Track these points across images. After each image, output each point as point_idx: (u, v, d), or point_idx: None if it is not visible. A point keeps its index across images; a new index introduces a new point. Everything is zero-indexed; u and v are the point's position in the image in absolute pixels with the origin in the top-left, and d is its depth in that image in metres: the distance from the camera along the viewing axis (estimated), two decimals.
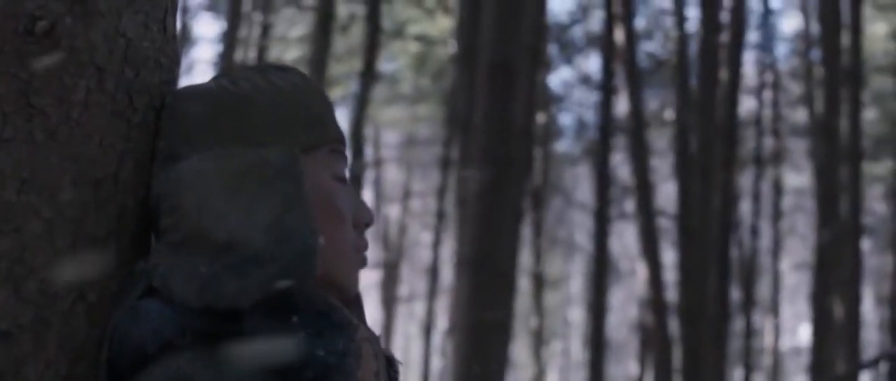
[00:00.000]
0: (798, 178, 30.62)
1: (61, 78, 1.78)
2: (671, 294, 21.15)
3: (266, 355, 1.62)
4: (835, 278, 21.35)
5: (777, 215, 27.24)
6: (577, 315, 46.76)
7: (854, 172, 20.95)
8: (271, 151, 1.79)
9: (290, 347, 1.63)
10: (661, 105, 29.29)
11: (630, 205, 25.83)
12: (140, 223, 1.85)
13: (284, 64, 1.97)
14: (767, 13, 25.53)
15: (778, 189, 27.17)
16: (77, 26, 1.80)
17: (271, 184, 1.75)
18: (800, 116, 28.12)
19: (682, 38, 20.33)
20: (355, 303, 1.98)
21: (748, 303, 24.50)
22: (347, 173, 1.92)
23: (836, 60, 20.92)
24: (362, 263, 1.90)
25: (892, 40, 25.50)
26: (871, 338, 32.45)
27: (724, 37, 20.30)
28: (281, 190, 1.74)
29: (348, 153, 1.96)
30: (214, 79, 1.91)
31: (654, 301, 19.51)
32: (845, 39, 21.65)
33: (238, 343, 1.62)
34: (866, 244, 24.39)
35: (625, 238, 33.00)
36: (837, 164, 21.00)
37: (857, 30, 21.01)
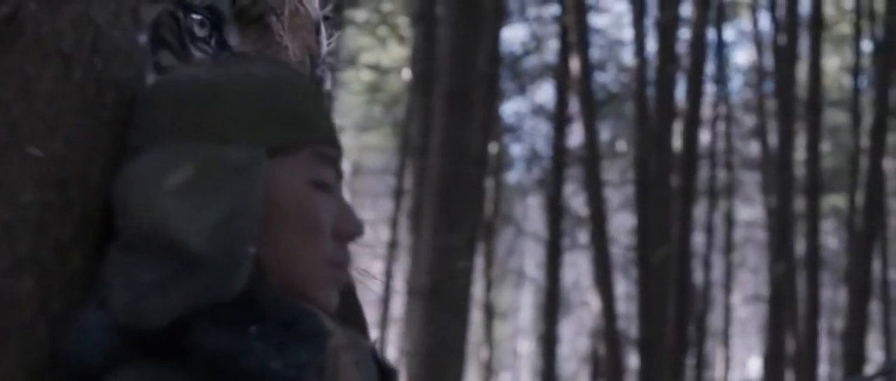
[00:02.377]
0: (749, 211, 30.72)
1: (24, 68, 1.64)
2: (624, 325, 21.12)
3: (215, 369, 1.51)
4: (789, 311, 21.40)
5: (729, 247, 27.29)
6: (527, 347, 46.72)
7: (812, 205, 21.00)
8: (232, 150, 1.63)
9: (242, 360, 1.51)
10: (613, 136, 29.34)
11: (582, 236, 25.83)
12: (108, 228, 1.69)
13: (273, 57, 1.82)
14: (721, 46, 25.60)
15: (730, 222, 27.23)
16: (42, 12, 1.67)
17: (224, 184, 1.60)
18: (751, 148, 28.23)
19: (641, 68, 20.34)
20: (352, 310, 1.84)
21: (701, 335, 24.51)
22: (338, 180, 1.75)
23: (791, 92, 21.00)
24: (341, 278, 1.72)
25: (845, 74, 25.68)
26: (822, 372, 32.56)
27: (683, 67, 20.35)
28: (233, 192, 1.60)
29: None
30: (195, 66, 1.76)
31: (608, 332, 19.46)
32: (801, 71, 21.75)
33: (187, 357, 1.52)
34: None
35: (575, 270, 32.99)
36: (792, 196, 21.06)
37: (816, 60, 21.11)
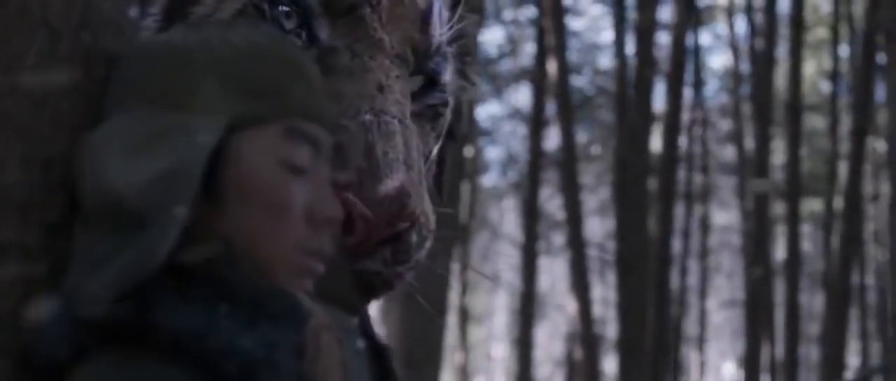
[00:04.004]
0: (724, 215, 30.77)
1: (10, 40, 1.55)
2: (600, 329, 21.07)
3: (181, 350, 1.42)
4: (766, 316, 21.40)
5: (704, 252, 27.31)
6: (501, 351, 46.73)
7: (791, 209, 21.00)
8: (194, 119, 1.53)
9: (208, 339, 1.43)
10: (589, 140, 29.32)
11: (557, 239, 25.81)
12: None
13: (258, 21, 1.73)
14: (697, 50, 25.59)
15: (705, 226, 27.25)
16: None
17: (170, 147, 1.50)
18: (727, 153, 28.26)
19: (621, 70, 20.31)
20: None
21: (676, 339, 24.50)
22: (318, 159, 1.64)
23: (768, 95, 21.00)
24: (315, 268, 1.62)
25: (821, 79, 25.72)
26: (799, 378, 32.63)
27: (662, 70, 20.35)
28: (176, 153, 1.50)
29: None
30: (173, 30, 1.66)
31: (585, 335, 19.43)
32: (779, 75, 21.76)
33: (153, 339, 1.43)
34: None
35: (550, 274, 32.98)
36: (768, 201, 21.06)
37: (796, 63, 21.10)
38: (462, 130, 2.33)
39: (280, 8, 1.89)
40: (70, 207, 1.56)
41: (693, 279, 27.48)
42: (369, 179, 1.84)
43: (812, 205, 25.36)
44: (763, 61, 21.47)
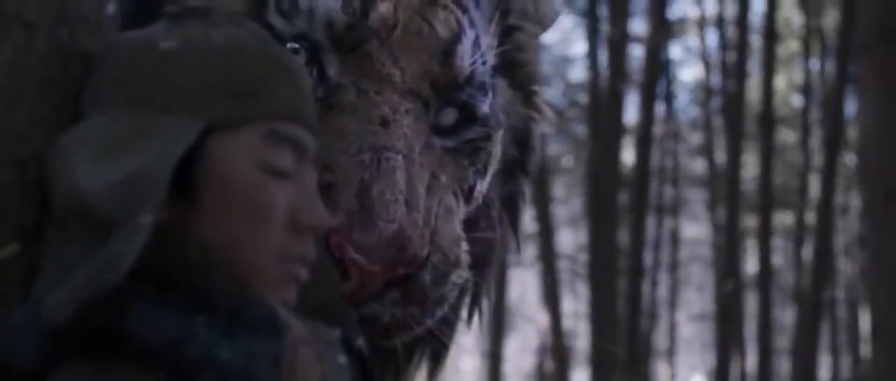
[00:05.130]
0: (694, 228, 30.83)
1: None
2: (571, 341, 21.08)
3: (156, 360, 1.38)
4: (736, 329, 21.44)
5: (675, 264, 27.36)
6: (471, 364, 46.68)
7: (764, 222, 21.04)
8: (171, 121, 1.48)
9: (185, 348, 1.39)
10: (560, 152, 29.35)
11: (529, 251, 25.81)
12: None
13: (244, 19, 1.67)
14: (667, 63, 25.63)
15: (675, 239, 27.30)
16: None
17: (140, 149, 1.46)
18: (697, 166, 28.33)
19: (594, 83, 20.32)
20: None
21: (647, 352, 24.53)
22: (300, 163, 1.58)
23: (740, 108, 21.06)
24: (297, 275, 1.57)
25: (792, 92, 25.82)
26: None
27: (635, 83, 20.38)
28: (145, 154, 1.45)
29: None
30: (155, 25, 1.61)
31: (555, 348, 19.43)
32: (752, 87, 21.82)
33: (128, 347, 1.39)
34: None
35: (521, 286, 32.98)
36: (738, 213, 21.11)
37: (769, 76, 21.15)
38: (533, 163, 2.30)
39: (288, 45, 1.88)
40: (44, 209, 1.52)
41: (663, 292, 27.51)
42: (362, 223, 1.83)
43: (783, 218, 25.45)
44: (735, 74, 21.53)
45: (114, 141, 1.47)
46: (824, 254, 19.82)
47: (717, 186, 23.89)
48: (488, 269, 2.24)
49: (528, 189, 2.32)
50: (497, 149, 2.14)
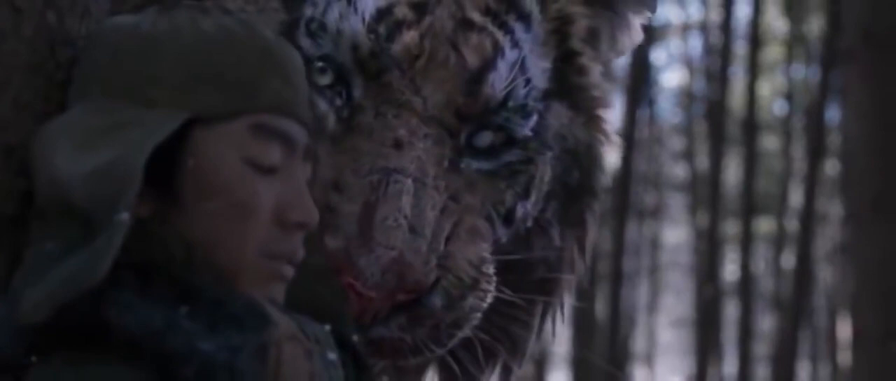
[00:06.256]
0: (674, 233, 30.86)
1: None
2: (549, 345, 21.07)
3: (138, 351, 1.34)
4: (715, 335, 21.46)
5: (655, 269, 27.39)
6: None
7: (745, 228, 21.06)
8: (153, 113, 1.45)
9: (167, 339, 1.35)
10: None
11: None
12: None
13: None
14: (651, 67, 25.65)
15: (656, 244, 27.32)
16: None
17: (119, 138, 1.42)
18: (678, 171, 28.35)
19: None
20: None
21: (626, 356, 24.57)
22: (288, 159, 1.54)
23: (723, 113, 21.09)
24: (282, 273, 1.54)
25: (775, 99, 25.85)
26: None
27: (620, 87, 20.41)
28: (122, 143, 1.42)
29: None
30: (145, 13, 1.57)
31: (534, 352, 19.40)
32: (735, 93, 21.85)
33: (109, 338, 1.35)
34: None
35: None
36: (719, 219, 21.13)
37: (752, 81, 21.17)
38: (601, 185, 2.28)
39: (317, 63, 1.91)
40: (29, 198, 1.48)
41: (642, 297, 27.54)
42: (360, 248, 1.81)
43: (764, 225, 25.45)
44: (718, 79, 21.54)
45: (93, 132, 1.44)
46: (805, 261, 19.84)
47: (699, 192, 23.89)
48: (555, 289, 2.24)
49: (597, 210, 2.30)
50: (544, 172, 2.11)
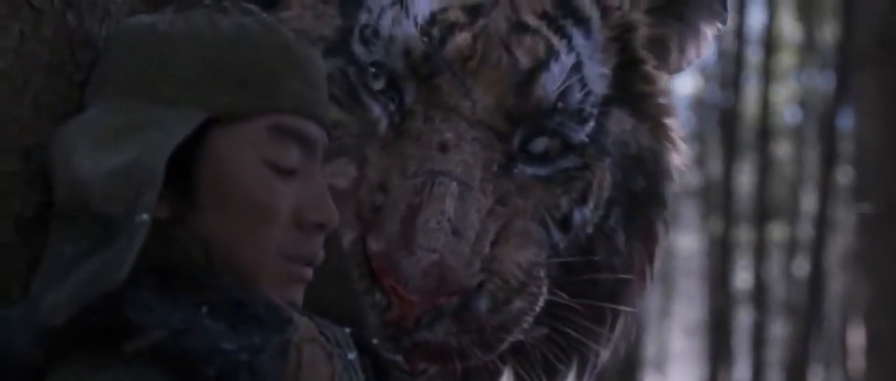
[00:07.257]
0: (686, 239, 30.80)
1: None
2: None
3: (158, 352, 1.33)
4: (727, 341, 21.39)
5: (666, 275, 27.34)
6: None
7: (758, 235, 21.00)
8: (171, 113, 1.44)
9: (187, 339, 1.33)
10: None
11: None
12: None
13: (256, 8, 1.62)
14: None
15: (667, 250, 27.22)
16: None
17: (138, 138, 1.41)
18: (692, 177, 28.28)
19: None
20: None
21: (638, 363, 24.52)
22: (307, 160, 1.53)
23: (735, 120, 21.03)
24: (302, 275, 1.53)
25: (788, 105, 25.78)
26: None
27: None
28: (142, 143, 1.41)
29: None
30: (162, 13, 1.56)
31: None
32: (749, 98, 21.78)
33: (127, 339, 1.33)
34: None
35: None
36: (731, 226, 21.06)
37: (766, 86, 21.12)
38: (669, 193, 2.27)
39: (370, 69, 1.94)
40: (49, 200, 1.47)
41: (654, 303, 27.49)
42: (402, 251, 1.82)
43: (777, 231, 25.37)
44: (731, 86, 21.48)
45: (112, 132, 1.43)
46: (818, 267, 19.77)
47: (712, 198, 23.82)
48: (623, 296, 2.23)
49: (668, 220, 2.30)
50: (602, 178, 2.11)
